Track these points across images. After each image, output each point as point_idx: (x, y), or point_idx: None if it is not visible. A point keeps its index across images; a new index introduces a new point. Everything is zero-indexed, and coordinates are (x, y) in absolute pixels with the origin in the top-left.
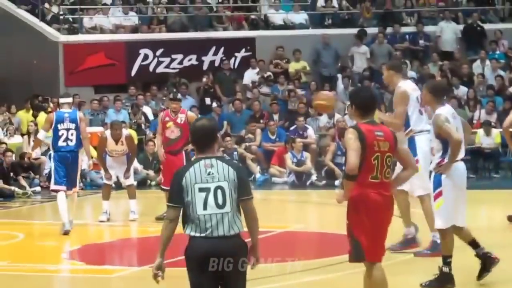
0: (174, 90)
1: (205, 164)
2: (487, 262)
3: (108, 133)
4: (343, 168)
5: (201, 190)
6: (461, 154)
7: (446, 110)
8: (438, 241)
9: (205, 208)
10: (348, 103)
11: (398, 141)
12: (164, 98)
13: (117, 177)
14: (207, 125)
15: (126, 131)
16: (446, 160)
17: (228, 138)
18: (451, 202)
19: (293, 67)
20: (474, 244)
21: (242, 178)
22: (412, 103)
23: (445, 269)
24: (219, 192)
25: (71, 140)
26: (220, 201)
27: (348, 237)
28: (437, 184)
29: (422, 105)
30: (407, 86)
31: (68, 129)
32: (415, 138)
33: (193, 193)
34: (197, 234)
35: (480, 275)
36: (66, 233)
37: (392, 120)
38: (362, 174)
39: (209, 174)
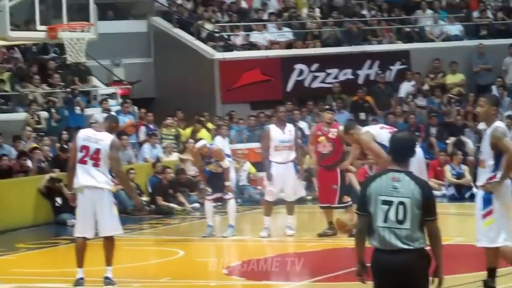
0: (333, 103)
1: (392, 177)
2: None
3: None
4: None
5: (384, 202)
6: None
7: None
8: None
9: (385, 221)
10: (506, 113)
11: None
12: (320, 113)
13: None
14: (407, 138)
15: None
16: None
17: None
18: None
19: (449, 79)
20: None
21: (427, 198)
22: None
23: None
24: (400, 207)
25: None
26: (400, 216)
27: None
28: None
29: None
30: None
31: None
32: None
33: (376, 204)
34: (377, 246)
35: None
36: None
37: None
38: None
39: (394, 188)
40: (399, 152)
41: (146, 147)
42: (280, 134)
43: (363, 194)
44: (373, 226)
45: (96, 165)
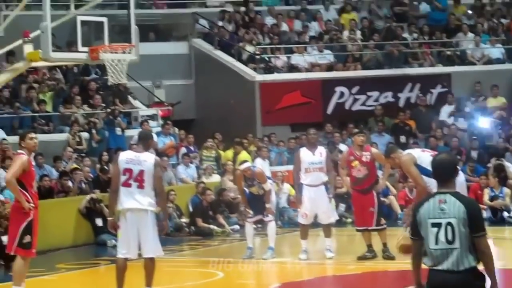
0: (376, 126)
1: (439, 200)
2: None
3: None
4: None
5: (433, 225)
6: None
7: None
8: None
9: (436, 243)
10: None
11: None
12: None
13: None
14: (447, 160)
15: None
16: None
17: None
18: None
19: (491, 102)
20: None
21: (472, 215)
22: None
23: None
24: (449, 228)
25: None
26: (449, 237)
27: None
28: None
29: None
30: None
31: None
32: None
33: (426, 228)
34: (431, 267)
35: None
36: None
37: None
38: None
39: (441, 210)
40: (442, 174)
41: (181, 167)
42: (310, 156)
43: (414, 219)
44: (426, 248)
45: (140, 187)
